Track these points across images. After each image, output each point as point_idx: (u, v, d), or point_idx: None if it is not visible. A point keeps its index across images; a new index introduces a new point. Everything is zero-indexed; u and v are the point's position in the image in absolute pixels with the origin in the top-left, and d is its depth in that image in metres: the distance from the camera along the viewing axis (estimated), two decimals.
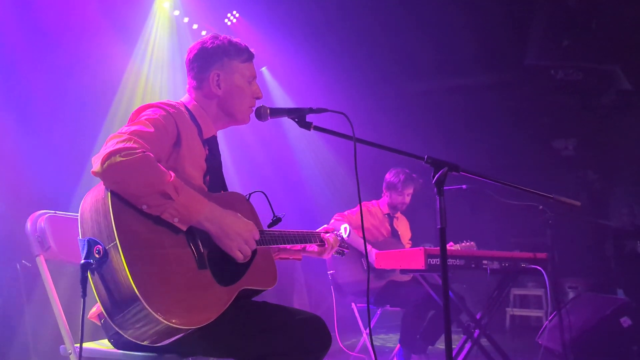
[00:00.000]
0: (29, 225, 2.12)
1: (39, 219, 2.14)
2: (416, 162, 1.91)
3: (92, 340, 2.11)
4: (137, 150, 1.65)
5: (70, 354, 2.02)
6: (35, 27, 4.21)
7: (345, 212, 4.41)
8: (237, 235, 1.78)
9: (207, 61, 2.05)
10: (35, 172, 4.13)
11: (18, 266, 3.68)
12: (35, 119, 4.17)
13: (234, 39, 2.10)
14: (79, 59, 4.62)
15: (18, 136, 4.04)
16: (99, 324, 1.90)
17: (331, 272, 4.33)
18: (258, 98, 2.14)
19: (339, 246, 2.44)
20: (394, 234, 4.61)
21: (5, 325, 3.66)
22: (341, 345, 4.30)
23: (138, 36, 5.44)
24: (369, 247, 4.30)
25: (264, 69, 6.89)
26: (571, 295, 4.60)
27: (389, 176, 4.65)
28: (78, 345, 1.70)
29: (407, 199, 4.61)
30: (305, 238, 2.25)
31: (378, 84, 7.26)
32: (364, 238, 2.08)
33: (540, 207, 3.78)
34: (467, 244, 4.30)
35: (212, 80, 2.04)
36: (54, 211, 2.21)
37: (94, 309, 1.91)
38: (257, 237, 1.87)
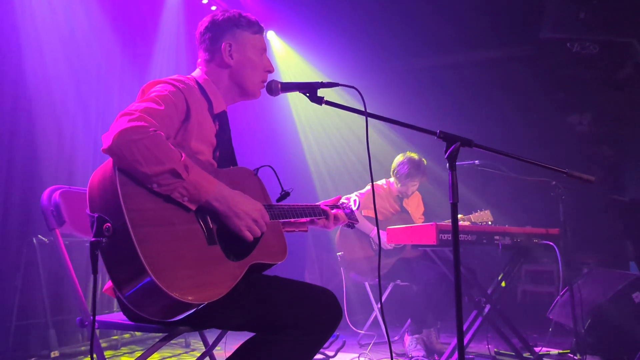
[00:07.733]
0: (44, 200, 2.15)
1: (53, 194, 2.16)
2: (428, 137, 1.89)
3: (107, 312, 2.15)
4: (149, 129, 1.65)
5: (86, 325, 2.06)
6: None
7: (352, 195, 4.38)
8: (246, 215, 1.80)
9: (218, 32, 2.07)
10: (52, 147, 4.17)
11: (35, 241, 3.74)
12: (51, 96, 4.18)
13: (244, 12, 2.11)
14: (101, 34, 4.63)
15: (35, 113, 4.06)
16: (113, 297, 1.93)
17: (340, 253, 4.33)
18: (269, 71, 2.15)
19: (349, 218, 2.45)
20: (403, 211, 4.59)
21: (23, 298, 3.73)
22: (350, 324, 4.33)
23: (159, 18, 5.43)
24: (376, 230, 4.28)
25: (271, 32, 6.77)
26: (584, 270, 4.59)
27: (395, 163, 4.54)
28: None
29: (410, 190, 4.51)
30: (313, 211, 2.26)
31: (389, 58, 7.17)
32: (376, 218, 2.09)
33: (554, 182, 3.75)
34: (482, 212, 4.26)
35: (225, 50, 2.05)
36: (68, 186, 2.23)
37: (108, 283, 1.94)
38: (267, 218, 1.88)
